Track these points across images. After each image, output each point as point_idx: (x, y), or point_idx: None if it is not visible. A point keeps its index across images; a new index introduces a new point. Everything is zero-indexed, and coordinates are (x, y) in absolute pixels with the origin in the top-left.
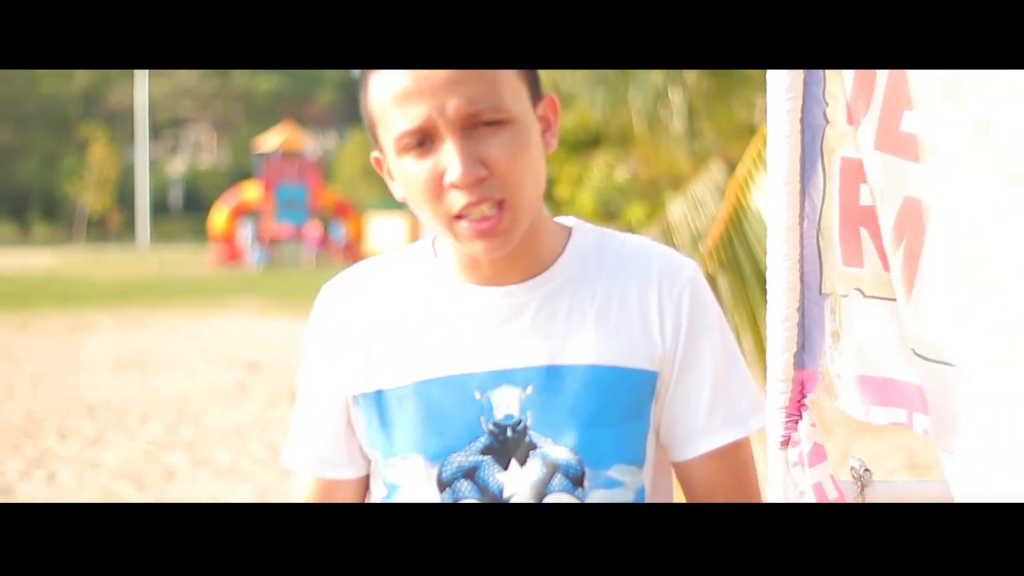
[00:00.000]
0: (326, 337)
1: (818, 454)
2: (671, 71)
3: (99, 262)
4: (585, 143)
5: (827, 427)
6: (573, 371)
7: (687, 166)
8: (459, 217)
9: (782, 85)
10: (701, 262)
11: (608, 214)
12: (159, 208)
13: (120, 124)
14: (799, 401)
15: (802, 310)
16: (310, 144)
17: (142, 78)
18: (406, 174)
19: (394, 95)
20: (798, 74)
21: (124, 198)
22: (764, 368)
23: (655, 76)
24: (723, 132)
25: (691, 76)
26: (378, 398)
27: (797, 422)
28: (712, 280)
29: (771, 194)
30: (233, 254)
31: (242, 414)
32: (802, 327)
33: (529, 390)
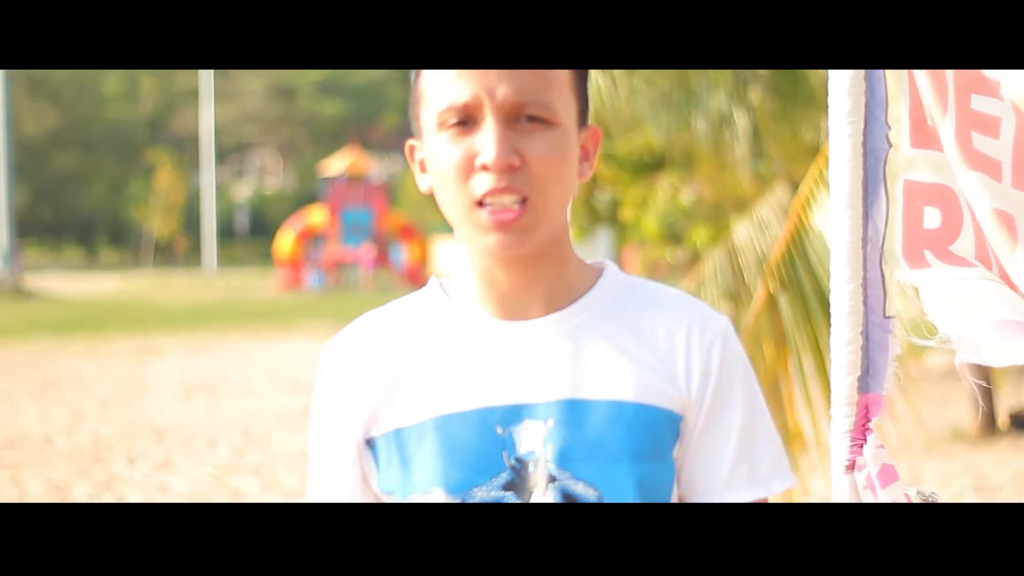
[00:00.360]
0: (333, 391)
1: (889, 475)
2: (736, 93)
3: (166, 287)
4: (650, 165)
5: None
6: (595, 406)
7: (752, 188)
8: (481, 204)
9: (843, 108)
10: (762, 282)
11: (673, 236)
12: (225, 232)
13: (186, 149)
14: (864, 425)
15: (866, 333)
16: (375, 168)
17: (208, 103)
18: (440, 151)
19: (450, 72)
20: (860, 98)
21: (190, 223)
22: (826, 389)
23: (719, 98)
24: (788, 153)
25: (756, 97)
26: (397, 437)
27: (862, 446)
28: (773, 300)
29: (834, 218)
30: (299, 278)
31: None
32: (866, 350)
33: (550, 424)
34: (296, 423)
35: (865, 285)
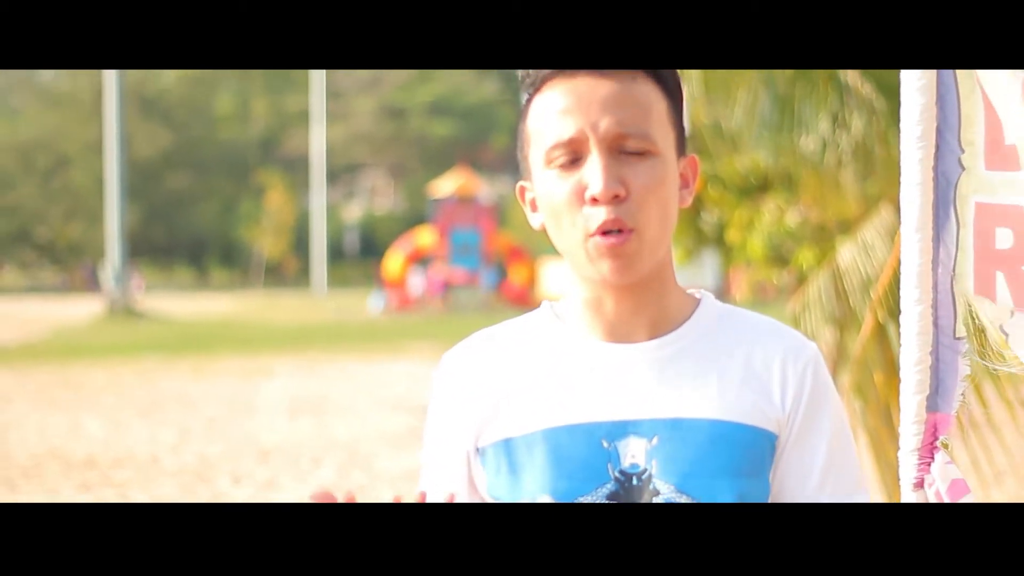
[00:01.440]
0: (447, 402)
1: (959, 489)
2: (839, 115)
3: (275, 307)
4: (755, 187)
5: (996, 475)
6: (698, 424)
7: (856, 209)
8: (592, 235)
9: (914, 134)
10: (871, 311)
11: (779, 258)
12: (335, 253)
13: (297, 170)
14: (931, 443)
15: (935, 354)
16: (484, 189)
17: (319, 123)
18: (549, 188)
19: (555, 111)
20: (931, 123)
21: (300, 243)
22: None
23: (822, 118)
24: (892, 175)
25: (860, 118)
26: (506, 446)
27: (930, 464)
28: (882, 329)
29: (904, 241)
30: (407, 299)
31: (412, 458)
32: (935, 370)
33: (655, 441)
34: (401, 443)
35: (935, 306)
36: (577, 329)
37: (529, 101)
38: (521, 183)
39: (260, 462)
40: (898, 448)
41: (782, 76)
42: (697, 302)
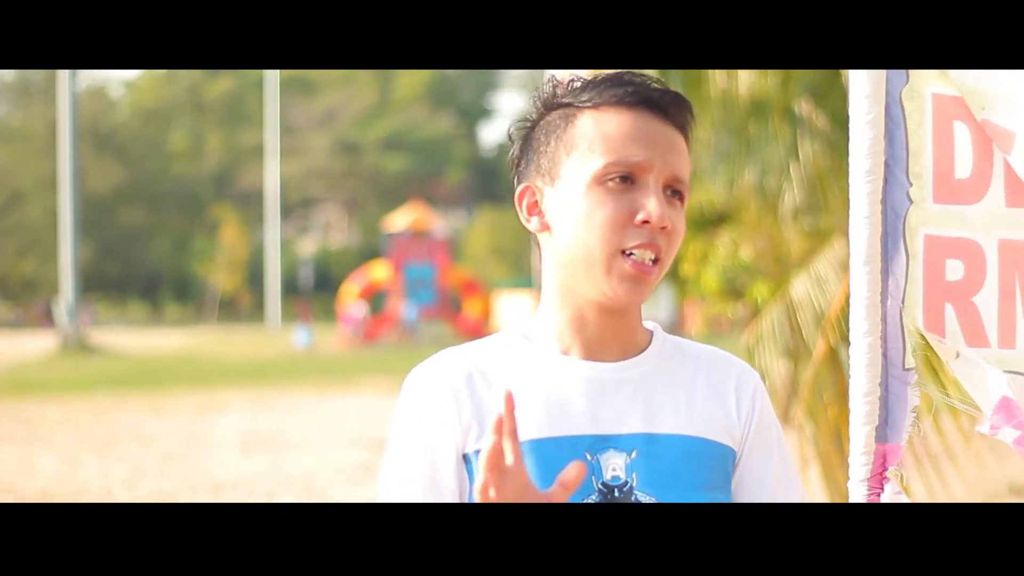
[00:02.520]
0: (435, 402)
1: None
2: (793, 148)
3: (229, 342)
4: (710, 221)
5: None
6: (671, 439)
7: (809, 243)
8: (624, 253)
9: (863, 168)
10: (823, 336)
11: (734, 292)
12: (289, 288)
13: (251, 205)
14: (881, 473)
15: (885, 385)
16: (439, 223)
17: (273, 159)
18: (592, 202)
19: (617, 133)
20: (879, 157)
21: (255, 278)
22: None
23: (776, 152)
24: (845, 208)
25: (813, 153)
26: None
27: (879, 494)
28: (834, 354)
29: (853, 273)
30: (363, 333)
31: (368, 492)
32: (884, 401)
33: (634, 455)
34: (356, 477)
35: (884, 338)
36: (552, 347)
37: (576, 113)
38: (526, 184)
39: (215, 497)
40: (848, 476)
41: (738, 109)
42: (651, 332)
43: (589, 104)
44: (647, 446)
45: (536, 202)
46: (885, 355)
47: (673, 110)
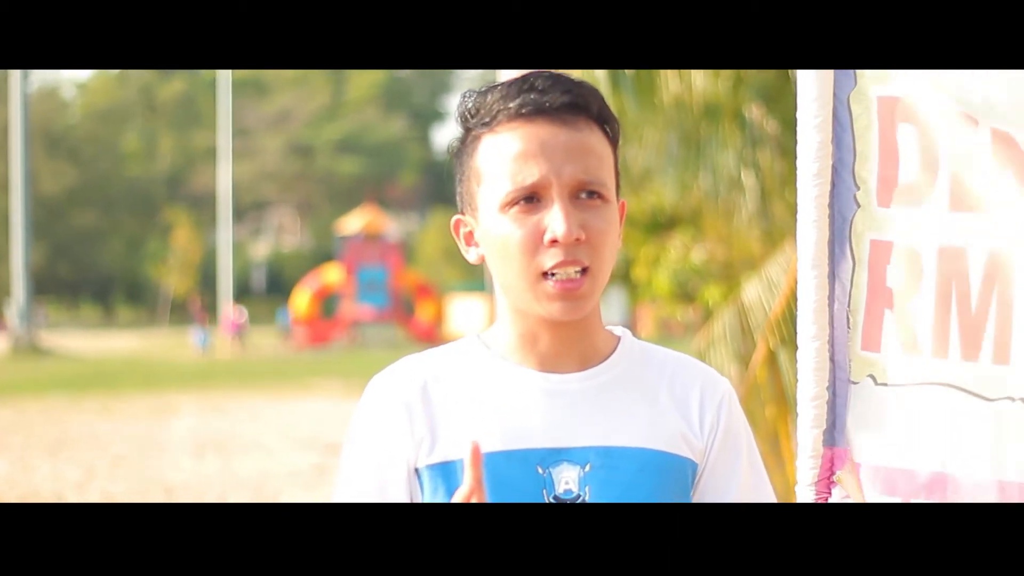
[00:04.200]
0: (387, 416)
1: None
2: (744, 152)
3: (182, 345)
4: (661, 225)
5: None
6: (627, 452)
7: (760, 248)
8: (546, 275)
9: (810, 171)
10: (762, 338)
11: (685, 295)
12: (242, 290)
13: (203, 207)
14: (828, 477)
15: (832, 389)
16: (391, 226)
17: (225, 161)
18: (504, 230)
19: (512, 155)
20: (827, 160)
21: (207, 281)
22: None
23: (727, 157)
24: (795, 213)
25: (764, 158)
26: (444, 469)
27: (827, 498)
28: (773, 357)
29: (800, 277)
30: (316, 336)
31: (320, 496)
32: (832, 406)
33: (587, 468)
34: (309, 481)
35: (832, 343)
36: (509, 358)
37: (478, 138)
38: (457, 217)
39: (165, 500)
40: (785, 476)
41: (689, 114)
42: (618, 338)
43: (485, 127)
44: (601, 459)
45: (471, 232)
46: (832, 359)
47: (568, 113)
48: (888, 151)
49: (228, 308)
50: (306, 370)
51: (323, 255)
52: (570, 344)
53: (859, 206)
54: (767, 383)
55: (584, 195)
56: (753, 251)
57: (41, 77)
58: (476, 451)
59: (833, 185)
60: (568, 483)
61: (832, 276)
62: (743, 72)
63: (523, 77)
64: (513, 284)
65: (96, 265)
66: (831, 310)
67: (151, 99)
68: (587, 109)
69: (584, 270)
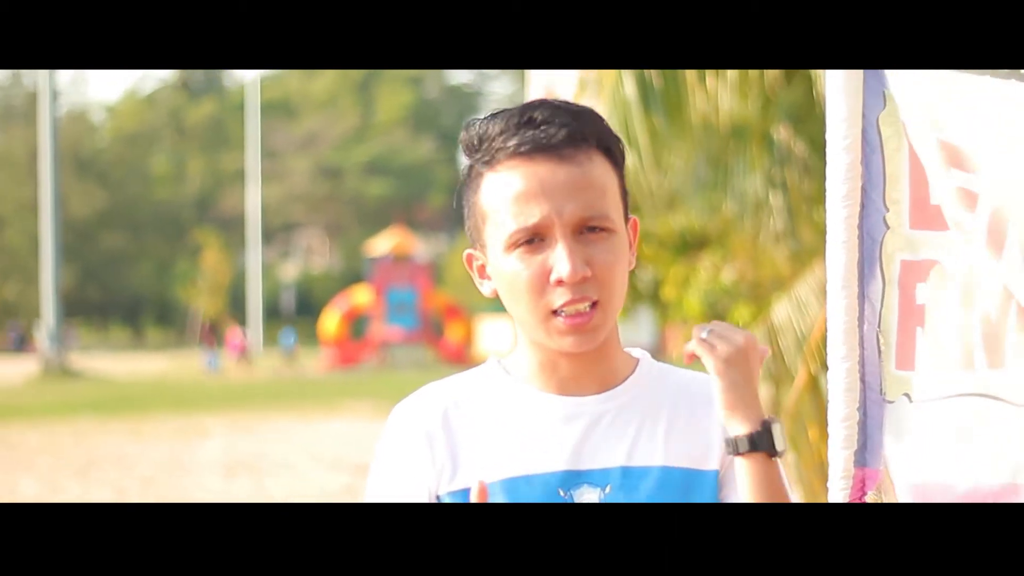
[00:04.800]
0: (409, 445)
1: None
2: (771, 174)
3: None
4: (691, 245)
5: None
6: (647, 471)
7: (789, 268)
8: (555, 313)
9: (839, 192)
10: (803, 363)
11: (716, 315)
12: (271, 312)
13: (233, 229)
14: (860, 498)
15: (863, 410)
16: (420, 248)
17: (254, 183)
18: (511, 269)
19: (513, 195)
20: (856, 182)
21: (236, 303)
22: None
23: (755, 179)
24: (824, 233)
25: (792, 178)
26: (465, 496)
27: None
28: (815, 381)
29: (830, 298)
30: (346, 357)
31: None
32: (863, 426)
33: (608, 489)
34: (338, 501)
35: (862, 363)
36: (528, 383)
37: (480, 175)
38: (469, 251)
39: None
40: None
41: (717, 135)
42: (636, 360)
43: (486, 165)
44: (621, 480)
45: (483, 266)
46: (863, 380)
47: (567, 147)
48: (920, 173)
49: (233, 332)
50: (336, 391)
51: (352, 277)
52: (589, 368)
53: (888, 228)
54: (809, 407)
55: (588, 230)
56: (782, 271)
57: (70, 100)
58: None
59: (862, 207)
60: None
61: (862, 297)
62: (771, 93)
63: (523, 108)
64: (525, 320)
65: (125, 287)
66: (861, 331)
67: (180, 122)
68: (586, 140)
69: (594, 304)
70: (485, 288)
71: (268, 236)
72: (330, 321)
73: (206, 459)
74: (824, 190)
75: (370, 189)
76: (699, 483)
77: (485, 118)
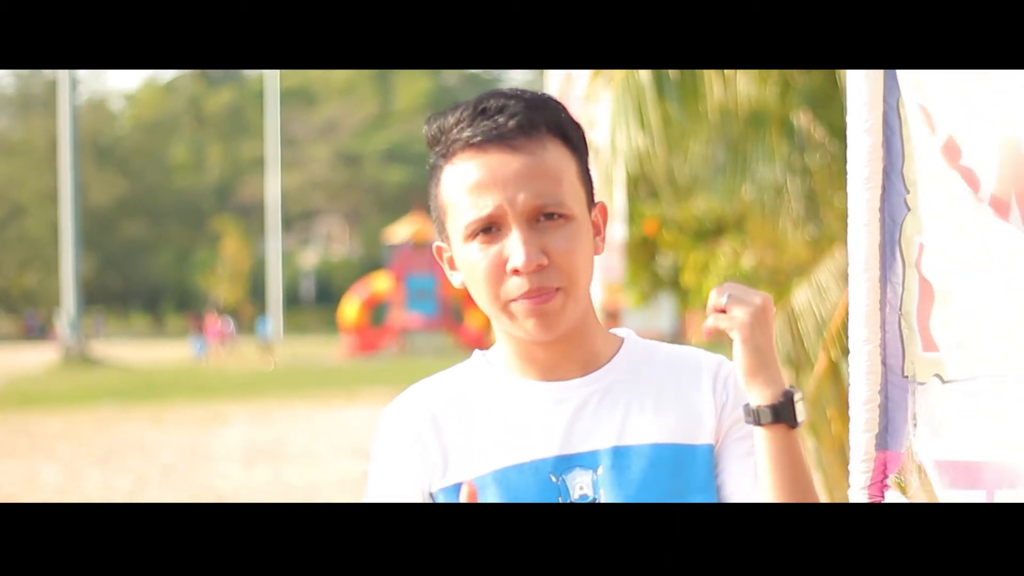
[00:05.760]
0: (400, 447)
1: None
2: (791, 160)
3: (231, 354)
4: (710, 231)
5: None
6: (638, 450)
7: (809, 253)
8: (515, 299)
9: (861, 175)
10: (824, 349)
11: None
12: (291, 300)
13: (252, 217)
14: (881, 481)
15: (885, 393)
16: None
17: (274, 171)
18: (470, 259)
19: (467, 186)
20: (877, 164)
21: (256, 290)
22: None
23: (774, 163)
24: (845, 218)
25: (812, 163)
26: (459, 490)
27: (880, 502)
28: (835, 367)
29: (852, 281)
30: (366, 344)
31: None
32: (884, 409)
33: (600, 471)
34: (358, 489)
35: (884, 346)
36: (511, 372)
37: (440, 168)
38: (437, 244)
39: None
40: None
41: (736, 121)
42: (621, 341)
43: (444, 159)
44: (613, 460)
45: (452, 258)
46: (884, 363)
47: (519, 137)
48: (933, 151)
49: (213, 319)
50: (356, 378)
51: (372, 264)
52: (568, 353)
53: (909, 209)
54: (830, 393)
55: (543, 218)
56: (802, 257)
57: (90, 89)
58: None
59: (883, 189)
60: (583, 488)
61: (884, 280)
62: (790, 78)
63: (478, 99)
64: (489, 310)
65: (145, 276)
66: (883, 314)
67: (199, 110)
68: (538, 127)
69: (555, 290)
70: (455, 279)
71: (288, 224)
72: (350, 308)
73: (226, 447)
74: (844, 175)
75: (389, 176)
76: (691, 458)
77: (444, 111)
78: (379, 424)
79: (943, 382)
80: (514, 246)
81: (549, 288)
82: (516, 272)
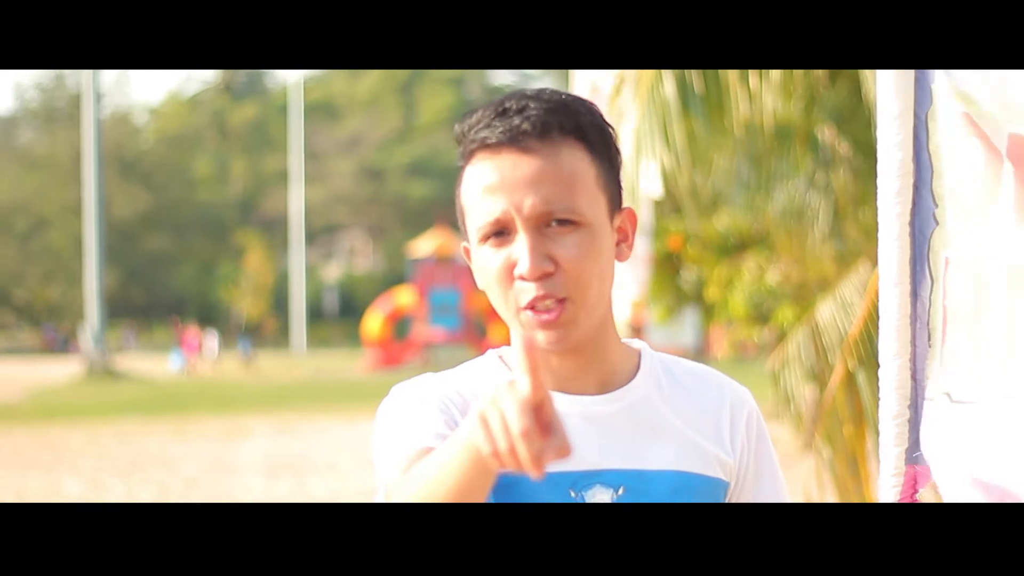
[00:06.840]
0: (421, 396)
1: None
2: (815, 176)
3: (254, 367)
4: (735, 246)
5: None
6: (660, 476)
7: (834, 268)
8: (524, 308)
9: (892, 188)
10: (841, 360)
11: (760, 316)
12: (314, 313)
13: (275, 231)
14: (911, 495)
15: (914, 407)
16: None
17: (297, 185)
18: (483, 262)
19: (481, 188)
20: (908, 178)
21: (279, 304)
22: None
23: (799, 178)
24: (870, 232)
25: (837, 179)
26: None
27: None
28: (852, 378)
29: (882, 295)
30: (389, 358)
31: None
32: (914, 423)
33: (621, 491)
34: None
35: (913, 360)
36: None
37: (461, 169)
38: (464, 244)
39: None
40: (862, 496)
41: (760, 136)
42: (638, 353)
43: (464, 158)
44: (635, 482)
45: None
46: (914, 377)
47: (532, 140)
48: (962, 168)
49: (191, 333)
50: (379, 392)
51: (395, 278)
52: (583, 366)
53: (937, 223)
54: (845, 404)
55: (554, 224)
56: (827, 271)
57: (114, 103)
58: (531, 346)
59: (913, 203)
60: None
61: (914, 294)
62: (815, 93)
63: (501, 99)
64: (501, 313)
65: (169, 289)
66: (913, 328)
67: (223, 124)
68: (554, 130)
69: (562, 300)
70: (478, 280)
71: (311, 238)
72: (373, 322)
73: (249, 459)
74: (870, 190)
75: (412, 190)
76: (708, 489)
77: (473, 109)
78: (390, 395)
79: (951, 401)
80: (520, 252)
81: (555, 298)
82: (523, 279)
